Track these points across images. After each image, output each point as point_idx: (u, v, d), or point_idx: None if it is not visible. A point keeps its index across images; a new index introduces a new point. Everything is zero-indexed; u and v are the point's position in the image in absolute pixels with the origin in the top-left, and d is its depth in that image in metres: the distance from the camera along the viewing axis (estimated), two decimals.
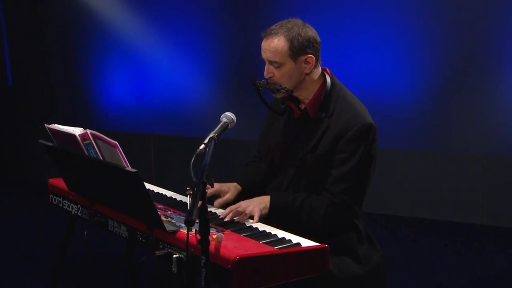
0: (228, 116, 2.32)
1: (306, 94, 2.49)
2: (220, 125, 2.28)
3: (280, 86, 2.44)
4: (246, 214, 2.40)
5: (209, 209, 2.24)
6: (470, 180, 5.11)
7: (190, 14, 5.92)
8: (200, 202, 1.93)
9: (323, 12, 5.29)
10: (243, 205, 2.42)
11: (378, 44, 5.21)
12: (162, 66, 6.11)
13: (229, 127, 2.32)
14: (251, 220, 2.39)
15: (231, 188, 2.59)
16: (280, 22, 2.45)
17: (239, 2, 5.71)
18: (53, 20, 6.53)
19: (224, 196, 2.57)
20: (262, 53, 2.45)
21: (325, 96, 2.47)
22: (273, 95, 2.54)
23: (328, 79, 2.50)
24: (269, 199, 2.44)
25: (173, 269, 2.07)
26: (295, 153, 2.50)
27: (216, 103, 5.77)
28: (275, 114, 2.63)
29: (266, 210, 2.42)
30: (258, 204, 2.42)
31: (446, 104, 5.11)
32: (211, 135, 2.19)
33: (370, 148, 2.41)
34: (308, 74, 2.46)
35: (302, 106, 2.52)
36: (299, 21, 2.46)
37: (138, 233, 2.33)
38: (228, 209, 2.42)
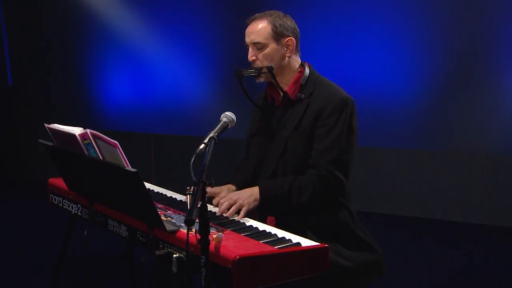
0: (228, 115, 2.35)
1: (286, 81, 2.60)
2: (220, 124, 2.31)
3: (261, 67, 2.54)
4: (235, 207, 2.41)
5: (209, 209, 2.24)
6: (470, 179, 5.11)
7: (190, 14, 5.92)
8: (200, 202, 1.93)
9: (323, 12, 5.29)
10: (234, 197, 2.46)
11: (378, 44, 5.22)
12: (162, 66, 6.11)
13: (229, 126, 2.35)
14: (247, 219, 2.40)
15: (223, 189, 2.63)
16: (262, 12, 2.60)
17: (239, 2, 5.71)
18: (53, 20, 6.54)
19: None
20: (246, 37, 2.59)
21: (304, 80, 2.58)
22: (256, 80, 2.61)
23: (307, 68, 2.62)
24: (258, 191, 2.47)
25: (173, 269, 2.07)
26: (279, 135, 2.57)
27: (216, 103, 5.77)
28: (258, 112, 2.71)
29: (256, 203, 2.45)
30: (248, 197, 2.45)
31: (446, 103, 5.11)
32: (211, 135, 2.21)
33: (351, 120, 2.49)
34: (289, 57, 2.56)
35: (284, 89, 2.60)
36: (280, 12, 2.61)
37: (138, 232, 2.33)
38: (220, 204, 2.46)
